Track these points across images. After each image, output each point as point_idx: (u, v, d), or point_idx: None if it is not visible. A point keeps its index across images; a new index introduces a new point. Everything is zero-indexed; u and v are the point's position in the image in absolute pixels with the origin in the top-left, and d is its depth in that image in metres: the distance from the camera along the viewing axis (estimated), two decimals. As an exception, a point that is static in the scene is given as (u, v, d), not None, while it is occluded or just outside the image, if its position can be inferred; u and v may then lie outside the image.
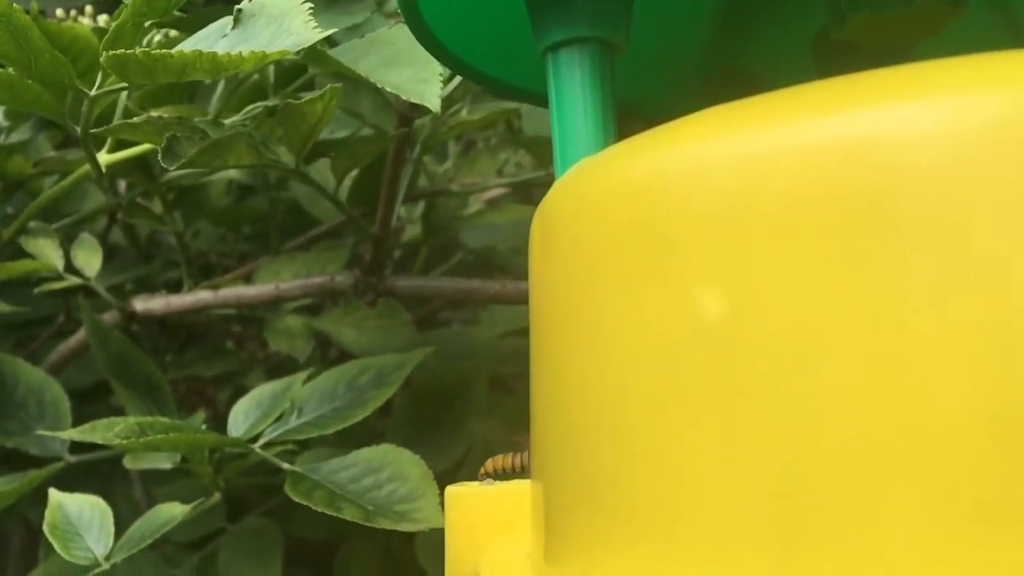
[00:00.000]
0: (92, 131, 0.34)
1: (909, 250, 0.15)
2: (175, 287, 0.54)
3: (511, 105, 0.47)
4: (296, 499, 0.31)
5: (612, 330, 0.17)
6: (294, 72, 0.42)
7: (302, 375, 0.40)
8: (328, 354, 0.59)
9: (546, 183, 0.53)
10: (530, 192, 0.62)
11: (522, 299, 0.39)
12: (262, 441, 0.37)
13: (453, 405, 0.47)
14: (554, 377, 0.20)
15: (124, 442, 0.30)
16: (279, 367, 0.55)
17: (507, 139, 0.54)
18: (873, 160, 0.15)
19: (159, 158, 0.30)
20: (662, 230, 0.16)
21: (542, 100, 0.29)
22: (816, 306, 0.15)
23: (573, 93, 0.21)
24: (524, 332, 0.63)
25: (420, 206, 0.59)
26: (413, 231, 0.58)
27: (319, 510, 0.30)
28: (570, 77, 0.21)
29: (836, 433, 0.14)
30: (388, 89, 0.31)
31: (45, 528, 0.34)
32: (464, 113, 0.45)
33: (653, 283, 0.16)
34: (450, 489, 0.24)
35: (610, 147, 0.20)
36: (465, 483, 0.25)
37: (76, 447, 0.43)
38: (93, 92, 0.32)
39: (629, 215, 0.17)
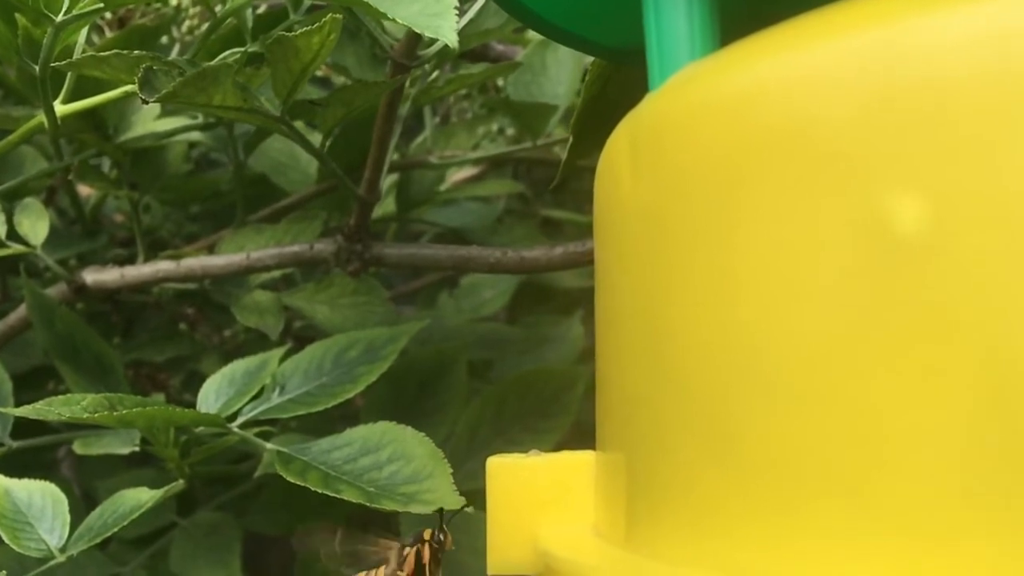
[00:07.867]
0: (54, 65, 0.30)
1: None
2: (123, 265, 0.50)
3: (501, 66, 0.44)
4: (290, 479, 0.28)
5: (765, 256, 0.14)
6: (272, 21, 0.38)
7: (279, 351, 0.37)
8: (286, 341, 0.55)
9: (529, 156, 0.50)
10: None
11: (524, 268, 0.36)
12: (240, 420, 0.33)
13: (433, 390, 0.44)
14: (656, 323, 0.17)
15: (94, 416, 0.26)
16: (235, 352, 0.52)
17: (488, 108, 0.51)
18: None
19: (137, 88, 0.27)
20: (834, 133, 0.13)
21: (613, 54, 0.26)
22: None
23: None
24: (491, 319, 0.60)
25: (389, 183, 0.55)
26: (380, 210, 0.55)
27: (319, 491, 0.27)
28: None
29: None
30: (399, 21, 0.28)
31: (-8, 517, 0.30)
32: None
33: (823, 195, 0.13)
34: (492, 460, 0.22)
35: (721, 50, 0.17)
36: (507, 454, 0.22)
37: (16, 433, 0.39)
38: (59, 17, 0.28)
39: (778, 120, 0.14)
